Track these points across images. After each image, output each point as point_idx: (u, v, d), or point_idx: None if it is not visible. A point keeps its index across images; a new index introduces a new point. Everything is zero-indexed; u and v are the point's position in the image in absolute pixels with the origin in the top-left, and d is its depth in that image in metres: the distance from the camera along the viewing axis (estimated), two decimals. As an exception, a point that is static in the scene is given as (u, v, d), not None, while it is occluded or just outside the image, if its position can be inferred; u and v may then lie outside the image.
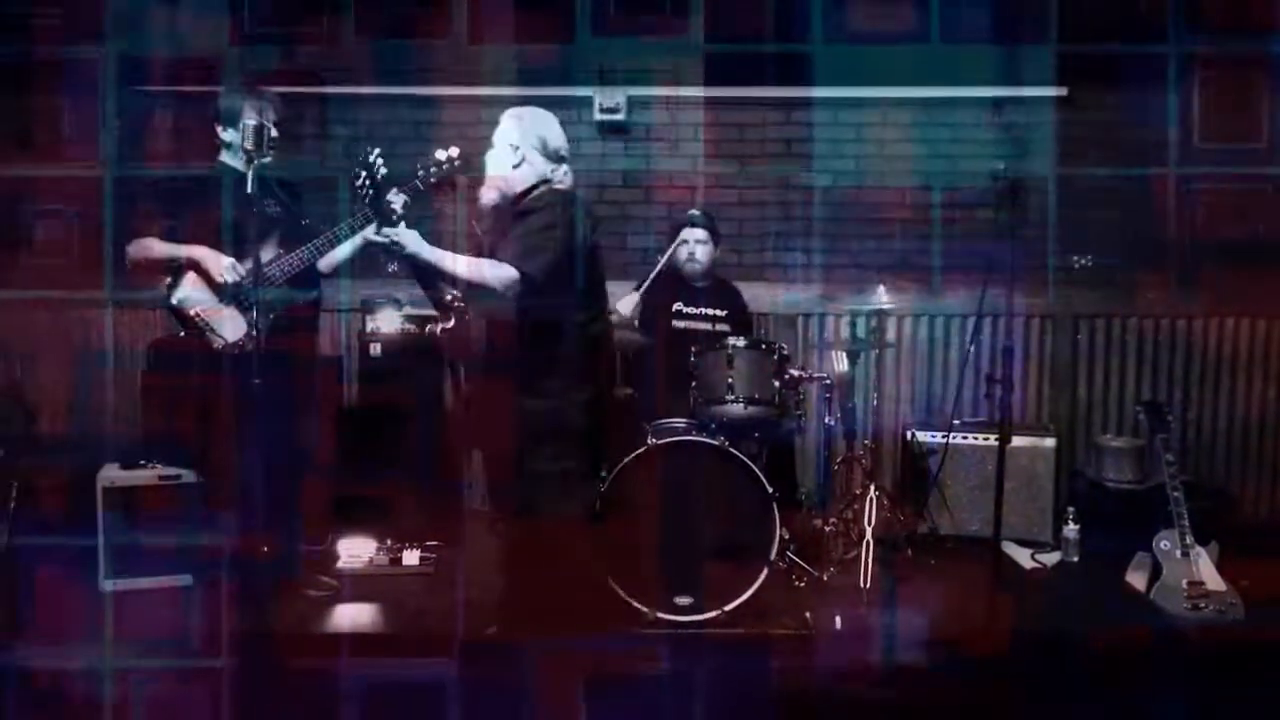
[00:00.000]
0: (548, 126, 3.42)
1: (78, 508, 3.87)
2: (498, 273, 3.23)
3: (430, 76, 4.97)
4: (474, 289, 3.28)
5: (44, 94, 4.85)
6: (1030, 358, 5.03)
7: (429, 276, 3.35)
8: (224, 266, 3.58)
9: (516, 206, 3.40)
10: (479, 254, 3.37)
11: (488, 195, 3.43)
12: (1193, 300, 4.96)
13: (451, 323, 3.36)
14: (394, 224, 3.18)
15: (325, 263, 3.74)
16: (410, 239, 3.23)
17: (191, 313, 3.61)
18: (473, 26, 4.92)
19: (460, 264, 3.29)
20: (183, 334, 3.64)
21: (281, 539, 3.74)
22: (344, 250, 3.72)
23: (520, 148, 3.38)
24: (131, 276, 3.92)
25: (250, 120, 3.36)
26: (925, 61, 4.84)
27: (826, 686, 3.29)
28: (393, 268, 3.35)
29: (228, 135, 3.70)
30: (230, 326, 3.61)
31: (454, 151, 3.63)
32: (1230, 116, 4.94)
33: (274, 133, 3.63)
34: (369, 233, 3.67)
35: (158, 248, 3.65)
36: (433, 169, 3.58)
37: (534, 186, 3.40)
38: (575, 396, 3.34)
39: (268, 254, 3.60)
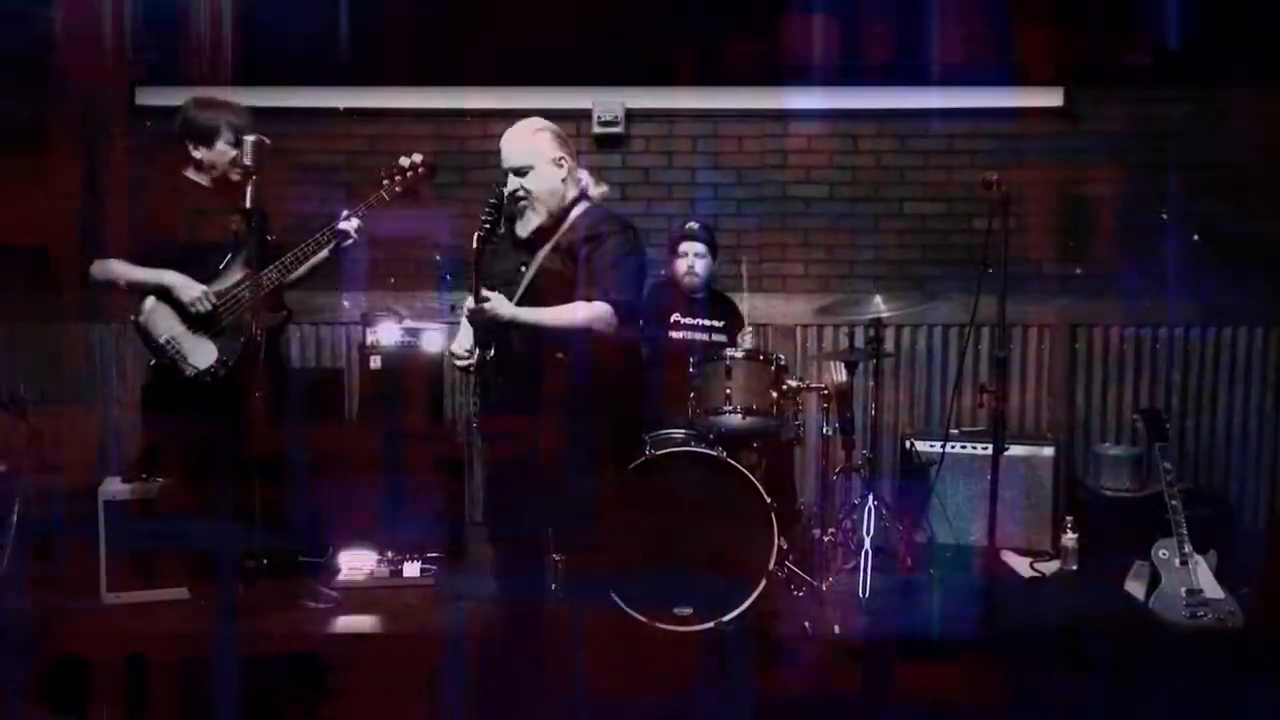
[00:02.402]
0: (562, 131, 3.34)
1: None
2: (595, 313, 3.14)
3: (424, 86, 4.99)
4: (570, 335, 3.16)
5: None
6: (1028, 367, 5.04)
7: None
8: (196, 296, 3.50)
9: (573, 231, 3.25)
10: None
11: (534, 221, 3.25)
12: (1190, 308, 4.97)
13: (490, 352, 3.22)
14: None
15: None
16: (502, 304, 3.10)
17: (161, 341, 3.53)
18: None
19: (553, 315, 3.16)
20: (153, 362, 3.56)
21: (280, 552, 3.77)
22: (305, 266, 3.68)
23: (565, 159, 3.26)
24: (98, 297, 3.87)
25: (250, 136, 3.27)
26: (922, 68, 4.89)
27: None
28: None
29: (199, 153, 3.59)
30: (201, 354, 3.53)
31: (417, 157, 3.56)
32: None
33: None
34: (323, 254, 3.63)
35: (123, 271, 3.56)
36: (397, 177, 3.55)
37: (576, 199, 3.31)
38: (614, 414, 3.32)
39: (235, 274, 3.55)
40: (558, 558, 3.45)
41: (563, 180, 3.26)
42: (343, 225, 3.62)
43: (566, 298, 3.20)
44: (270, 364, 3.67)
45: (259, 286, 3.48)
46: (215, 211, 3.57)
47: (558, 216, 3.27)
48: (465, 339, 3.28)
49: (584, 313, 3.16)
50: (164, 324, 3.53)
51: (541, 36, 4.77)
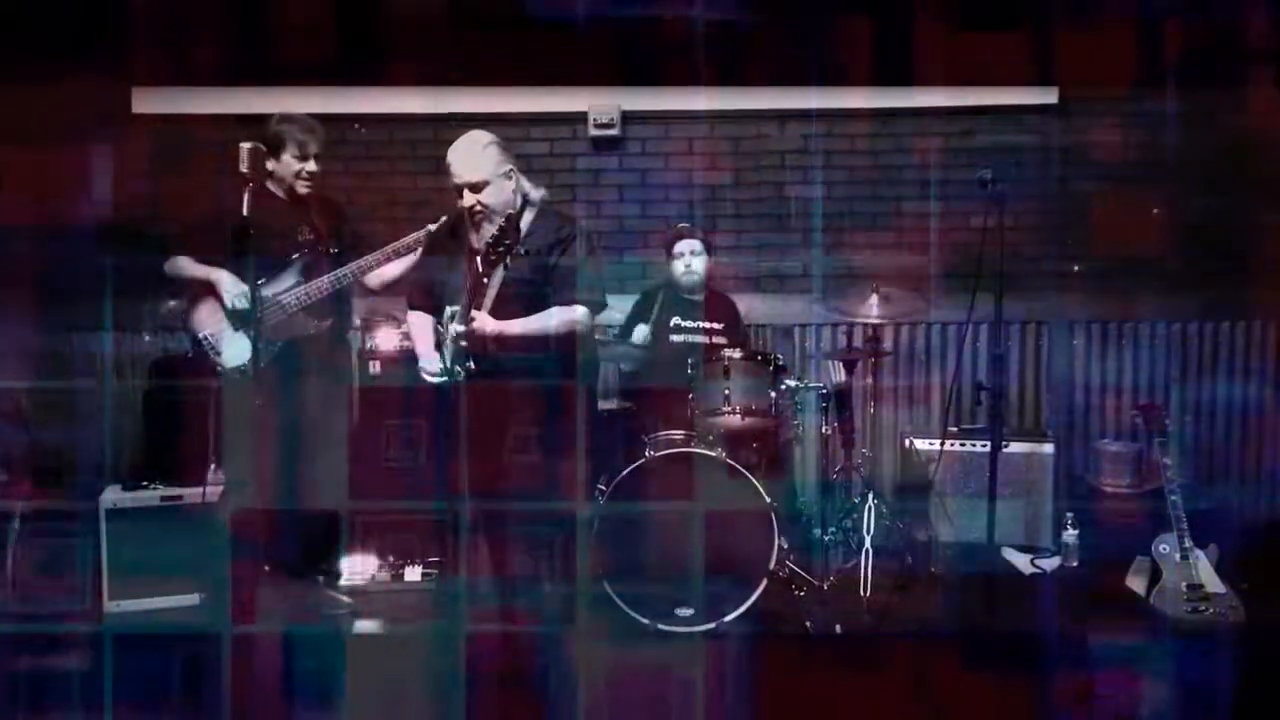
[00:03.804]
0: (502, 140, 3.44)
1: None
2: (571, 316, 3.30)
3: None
4: (547, 338, 3.30)
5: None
6: (1026, 363, 5.05)
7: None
8: (236, 294, 3.58)
9: (529, 238, 3.32)
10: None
11: (490, 232, 3.30)
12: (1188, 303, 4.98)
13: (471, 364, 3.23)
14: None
15: (375, 279, 3.72)
16: (487, 321, 3.18)
17: (200, 335, 3.64)
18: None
19: (535, 324, 3.29)
20: (189, 353, 3.69)
21: (288, 558, 3.78)
22: (393, 269, 3.68)
23: (512, 170, 3.38)
24: (171, 292, 4.02)
25: (246, 143, 3.27)
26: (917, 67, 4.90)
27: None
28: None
29: (270, 165, 3.63)
30: (234, 351, 3.60)
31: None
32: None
33: (310, 165, 3.68)
34: (404, 262, 3.64)
35: (187, 266, 3.70)
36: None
37: (523, 206, 3.41)
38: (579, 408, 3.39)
39: (288, 281, 3.61)
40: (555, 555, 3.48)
41: (513, 191, 3.40)
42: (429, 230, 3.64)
43: (531, 302, 3.34)
44: (315, 371, 3.75)
45: (305, 294, 3.60)
46: (284, 221, 3.65)
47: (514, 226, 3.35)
48: (436, 358, 3.32)
49: (561, 316, 3.31)
50: (209, 321, 3.64)
51: (537, 39, 4.78)
